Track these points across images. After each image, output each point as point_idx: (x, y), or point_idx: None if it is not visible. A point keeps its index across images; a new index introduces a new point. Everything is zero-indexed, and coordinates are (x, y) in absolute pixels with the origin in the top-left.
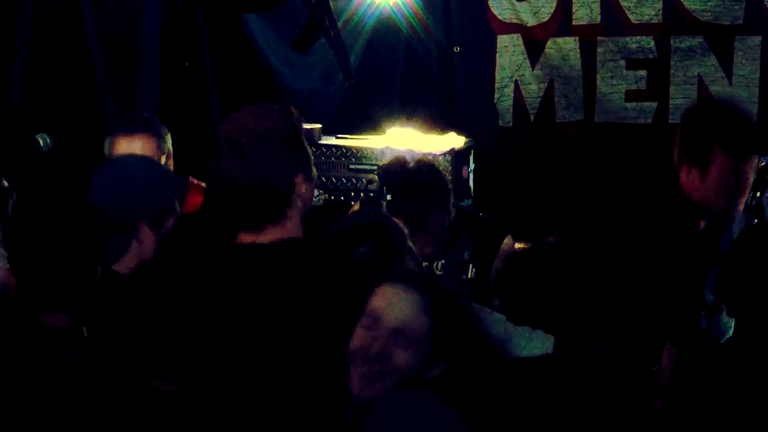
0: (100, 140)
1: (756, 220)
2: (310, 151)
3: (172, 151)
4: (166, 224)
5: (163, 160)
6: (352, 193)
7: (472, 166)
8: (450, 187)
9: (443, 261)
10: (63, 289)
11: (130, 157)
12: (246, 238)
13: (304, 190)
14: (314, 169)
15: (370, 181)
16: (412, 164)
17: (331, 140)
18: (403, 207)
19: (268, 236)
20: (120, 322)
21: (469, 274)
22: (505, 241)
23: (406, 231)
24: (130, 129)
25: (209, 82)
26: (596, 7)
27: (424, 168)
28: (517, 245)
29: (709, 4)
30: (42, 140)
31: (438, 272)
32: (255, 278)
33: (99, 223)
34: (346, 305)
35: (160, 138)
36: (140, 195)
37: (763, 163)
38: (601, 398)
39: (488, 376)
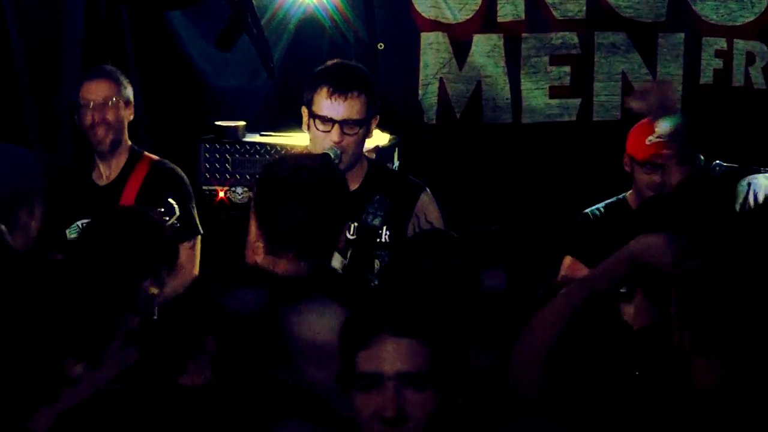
0: (22, 141)
1: None
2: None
3: (131, 102)
4: (36, 208)
5: (121, 105)
6: None
7: (396, 163)
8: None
9: (356, 224)
10: None
11: None
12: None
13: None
14: None
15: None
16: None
17: (255, 137)
18: None
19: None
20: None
21: (383, 238)
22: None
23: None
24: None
25: (132, 80)
26: (520, 4)
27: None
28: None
29: (631, 0)
30: None
31: (351, 237)
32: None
33: None
34: None
35: (119, 84)
36: (15, 181)
37: (717, 169)
38: None
39: None
